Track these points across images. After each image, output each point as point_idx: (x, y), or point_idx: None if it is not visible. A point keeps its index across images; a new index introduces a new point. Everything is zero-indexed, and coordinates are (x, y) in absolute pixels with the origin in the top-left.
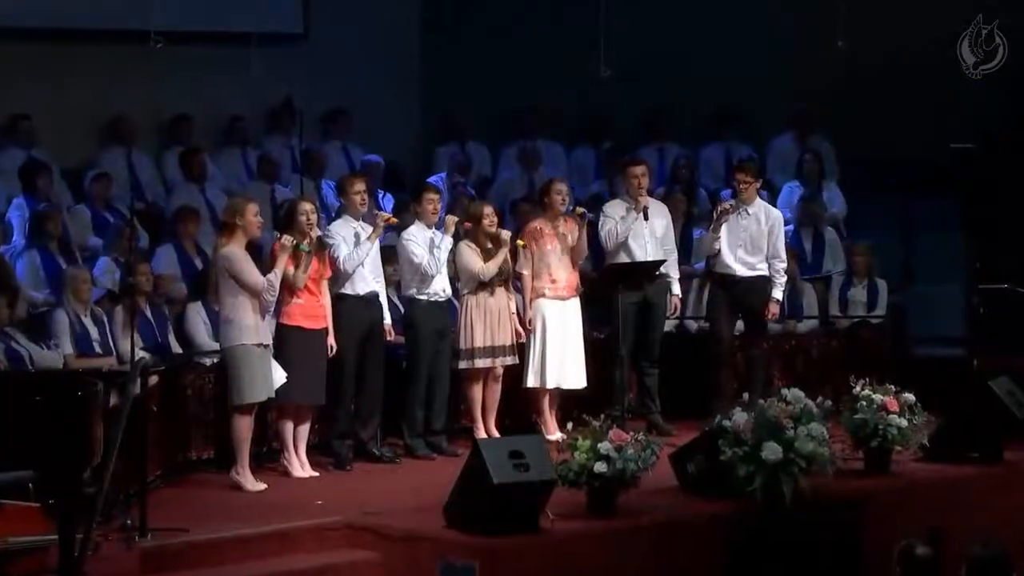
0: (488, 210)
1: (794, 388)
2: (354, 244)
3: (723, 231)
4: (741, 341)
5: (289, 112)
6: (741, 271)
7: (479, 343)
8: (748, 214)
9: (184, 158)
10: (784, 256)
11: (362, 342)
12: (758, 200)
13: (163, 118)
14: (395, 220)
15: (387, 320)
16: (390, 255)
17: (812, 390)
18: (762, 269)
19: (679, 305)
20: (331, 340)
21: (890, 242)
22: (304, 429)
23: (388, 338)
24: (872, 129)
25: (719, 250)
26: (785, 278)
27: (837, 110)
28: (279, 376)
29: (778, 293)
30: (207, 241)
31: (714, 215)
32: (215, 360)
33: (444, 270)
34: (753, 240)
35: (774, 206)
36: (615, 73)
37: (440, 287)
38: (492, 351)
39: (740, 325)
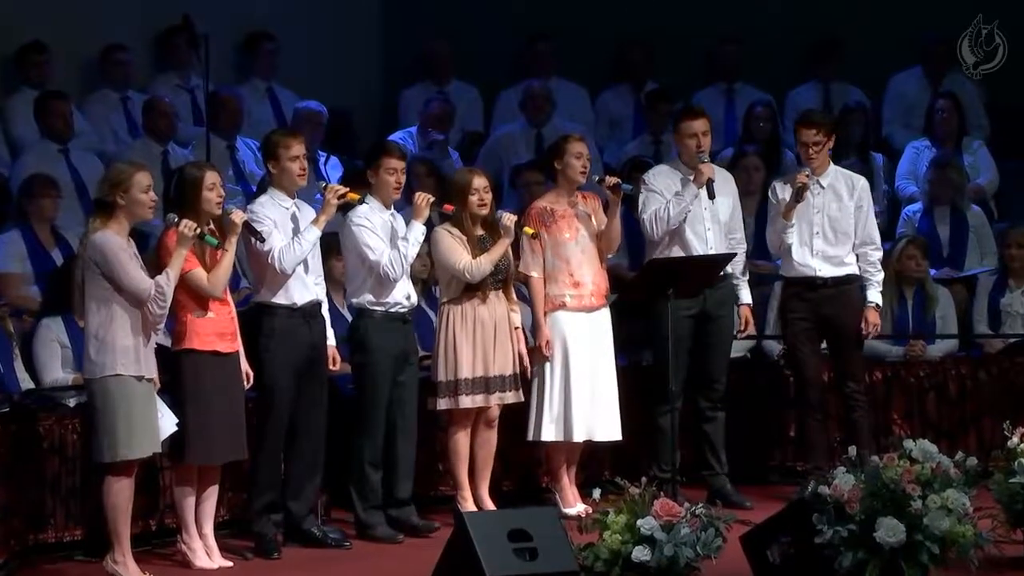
0: (479, 182)
1: (922, 440)
2: (292, 233)
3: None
4: (834, 372)
5: (189, 39)
6: (824, 270)
7: (466, 373)
8: (822, 187)
9: (39, 106)
10: (879, 241)
11: (297, 374)
12: (831, 167)
13: (7, 48)
14: (356, 196)
15: (331, 341)
16: (334, 244)
17: (949, 442)
18: (852, 264)
19: (751, 319)
20: (245, 366)
21: None
22: (211, 499)
23: (333, 367)
24: None
25: (790, 245)
26: (882, 273)
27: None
28: (167, 424)
29: (875, 295)
30: (72, 225)
31: (776, 194)
32: (83, 399)
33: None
34: (835, 224)
35: (894, 172)
36: None
37: (403, 293)
38: (485, 384)
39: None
